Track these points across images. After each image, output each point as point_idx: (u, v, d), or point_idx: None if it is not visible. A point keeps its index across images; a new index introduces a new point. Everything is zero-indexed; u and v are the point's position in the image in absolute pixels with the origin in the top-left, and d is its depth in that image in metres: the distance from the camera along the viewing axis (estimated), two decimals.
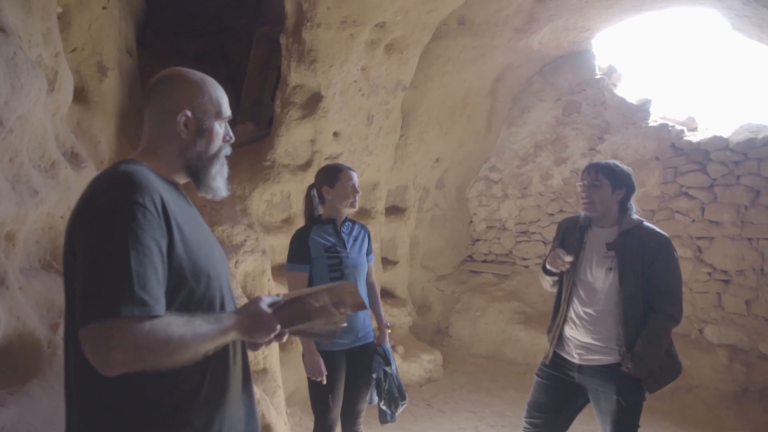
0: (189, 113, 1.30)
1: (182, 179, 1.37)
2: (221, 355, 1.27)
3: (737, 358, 4.61)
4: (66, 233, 1.18)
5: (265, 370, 3.62)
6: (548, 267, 2.55)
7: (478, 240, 6.49)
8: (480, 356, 5.63)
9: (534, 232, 6.11)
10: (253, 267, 3.95)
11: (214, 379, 1.26)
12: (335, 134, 4.51)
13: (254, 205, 4.30)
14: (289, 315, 1.29)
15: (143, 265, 1.08)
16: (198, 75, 1.36)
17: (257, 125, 5.19)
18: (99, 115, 3.79)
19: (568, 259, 2.46)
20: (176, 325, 1.10)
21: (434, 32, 4.58)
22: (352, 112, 4.51)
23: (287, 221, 4.53)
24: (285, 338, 1.34)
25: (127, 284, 1.05)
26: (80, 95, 3.74)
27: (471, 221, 6.56)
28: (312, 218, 2.73)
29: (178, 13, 6.36)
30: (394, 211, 5.56)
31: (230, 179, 4.35)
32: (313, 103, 4.32)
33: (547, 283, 2.71)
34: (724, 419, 4.25)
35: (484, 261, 6.42)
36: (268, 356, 3.65)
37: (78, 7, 3.48)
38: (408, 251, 5.75)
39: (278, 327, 1.26)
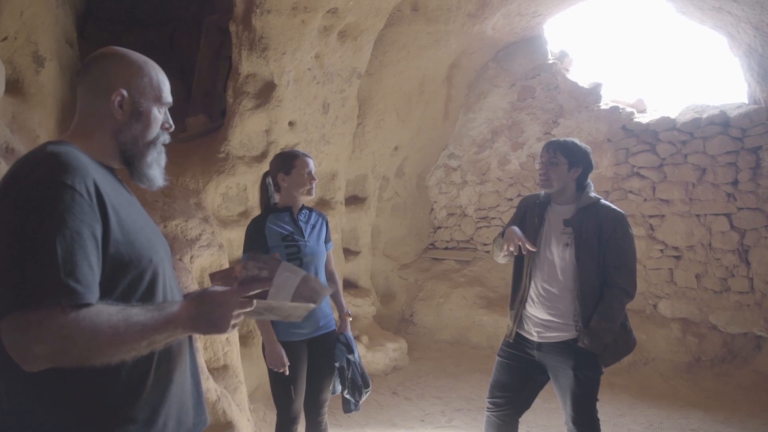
0: (125, 93, 1.23)
1: (115, 165, 1.29)
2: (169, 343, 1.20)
3: (689, 330, 4.80)
4: None
5: (225, 367, 3.52)
6: (504, 246, 2.52)
7: (439, 227, 6.53)
8: (445, 342, 5.67)
9: (494, 218, 6.19)
10: (210, 261, 3.83)
11: (159, 369, 1.19)
12: (290, 123, 4.41)
13: (209, 198, 4.17)
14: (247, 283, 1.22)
15: (71, 251, 1.00)
16: (139, 56, 1.29)
17: (210, 117, 5.03)
18: (37, 108, 3.59)
19: (517, 245, 2.44)
20: (107, 314, 1.02)
21: (388, 18, 4.54)
22: (307, 100, 4.43)
23: (244, 214, 4.42)
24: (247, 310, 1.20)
25: (52, 271, 0.98)
26: (15, 87, 3.52)
27: (432, 209, 6.58)
28: (268, 206, 2.66)
29: (121, 3, 6.09)
30: (354, 200, 5.51)
31: (183, 173, 4.15)
32: (267, 92, 4.21)
33: (499, 252, 2.64)
34: (679, 389, 4.41)
35: (446, 248, 6.46)
36: (229, 352, 3.56)
37: None
38: (370, 241, 5.72)
39: (238, 308, 1.16)
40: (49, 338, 0.96)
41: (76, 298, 0.99)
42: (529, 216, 2.62)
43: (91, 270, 1.04)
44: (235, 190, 4.39)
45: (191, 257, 3.66)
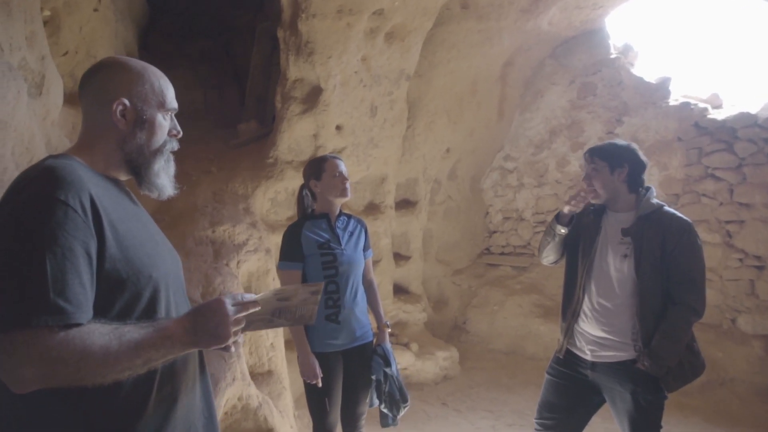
0: (126, 102, 1.20)
1: (123, 176, 1.26)
2: (169, 361, 1.14)
3: None
4: None
5: (270, 372, 3.52)
6: (569, 206, 2.37)
7: (494, 232, 6.29)
8: (499, 352, 5.44)
9: None
10: (256, 266, 3.86)
11: (162, 389, 1.14)
12: (338, 128, 4.38)
13: (257, 203, 4.21)
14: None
15: (62, 269, 0.97)
16: (138, 63, 1.25)
17: (261, 123, 5.10)
18: None
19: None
20: (98, 333, 0.98)
21: (437, 17, 4.40)
22: (354, 104, 4.37)
23: (293, 219, 4.42)
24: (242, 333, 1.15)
25: (41, 290, 0.94)
26: (76, 99, 3.69)
27: (487, 212, 6.36)
28: (305, 214, 2.61)
29: (181, 15, 6.33)
30: (404, 204, 5.41)
31: (233, 178, 4.16)
32: (314, 96, 4.20)
33: (551, 234, 2.47)
34: (762, 414, 3.98)
35: (502, 253, 6.21)
36: (273, 357, 3.55)
37: (66, 10, 3.43)
38: (421, 245, 5.60)
39: (232, 314, 1.09)
40: (35, 360, 0.93)
41: (64, 318, 0.95)
42: (584, 223, 2.43)
43: (83, 288, 1.00)
44: (284, 195, 4.41)
45: (238, 262, 3.68)
